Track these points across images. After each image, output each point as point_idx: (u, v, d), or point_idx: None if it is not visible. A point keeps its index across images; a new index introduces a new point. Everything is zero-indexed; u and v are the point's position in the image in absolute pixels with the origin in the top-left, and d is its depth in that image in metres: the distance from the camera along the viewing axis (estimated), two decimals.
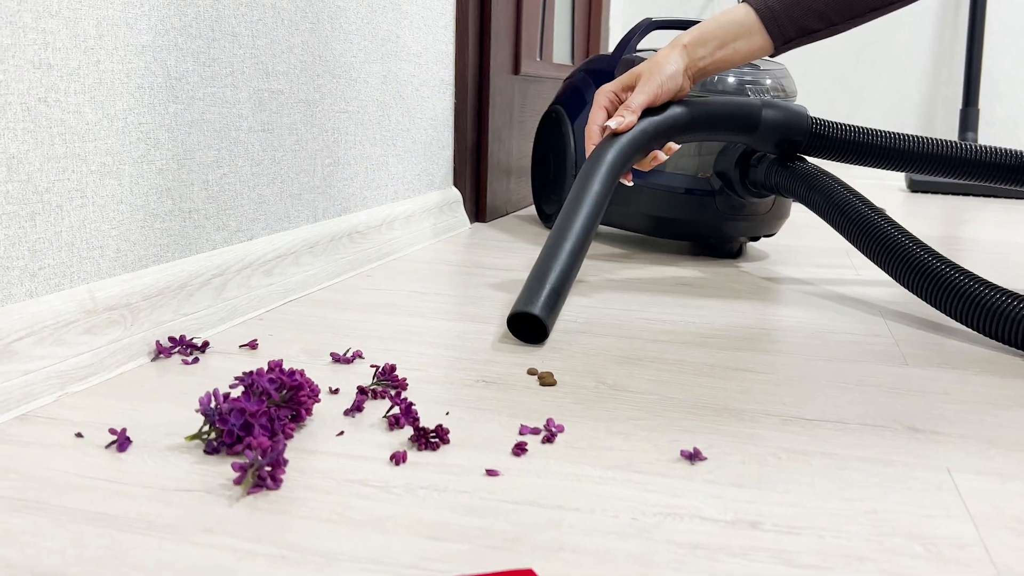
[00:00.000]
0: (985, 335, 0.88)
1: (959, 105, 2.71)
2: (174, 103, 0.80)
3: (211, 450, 0.56)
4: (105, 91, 0.71)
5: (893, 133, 1.11)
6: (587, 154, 0.98)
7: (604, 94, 1.00)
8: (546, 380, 0.73)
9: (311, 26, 1.02)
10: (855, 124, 1.11)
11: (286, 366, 0.71)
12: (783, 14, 0.94)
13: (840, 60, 2.80)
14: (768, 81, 1.32)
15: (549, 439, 0.61)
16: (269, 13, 0.93)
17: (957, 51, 2.71)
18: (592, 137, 0.99)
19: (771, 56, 0.98)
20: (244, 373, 0.60)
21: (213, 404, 0.57)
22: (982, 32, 2.61)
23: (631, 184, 1.04)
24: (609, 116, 0.99)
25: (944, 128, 2.74)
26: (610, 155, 0.94)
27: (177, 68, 0.79)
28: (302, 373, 0.61)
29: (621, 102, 0.99)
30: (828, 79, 2.83)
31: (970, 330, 0.93)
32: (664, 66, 0.96)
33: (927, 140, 1.10)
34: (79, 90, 0.68)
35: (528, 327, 0.85)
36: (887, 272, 0.97)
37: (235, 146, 0.89)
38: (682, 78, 0.97)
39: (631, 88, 0.99)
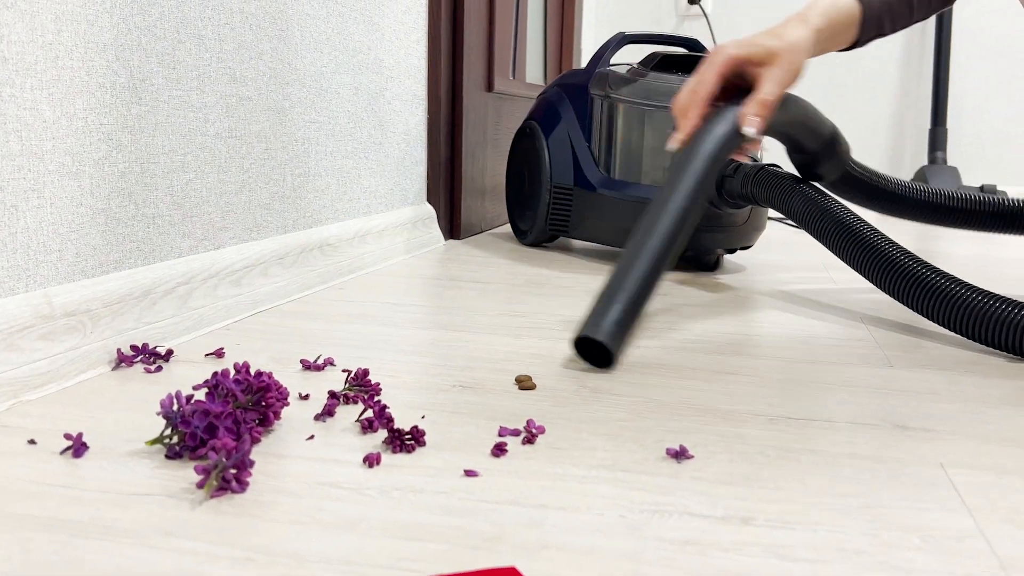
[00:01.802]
0: (969, 338, 0.87)
1: (927, 125, 2.74)
2: (137, 104, 0.77)
3: (173, 454, 0.53)
4: (64, 88, 0.68)
5: (917, 186, 1.14)
6: (679, 125, 0.84)
7: (727, 62, 0.84)
8: (525, 384, 0.71)
9: (280, 33, 1.00)
10: (889, 176, 1.15)
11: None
12: (880, 10, 0.89)
13: (811, 80, 2.83)
14: None
15: (530, 440, 0.58)
16: (237, 17, 0.91)
17: (924, 72, 2.75)
18: (696, 105, 0.83)
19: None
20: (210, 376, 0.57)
21: (176, 406, 0.54)
22: (948, 54, 2.65)
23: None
24: (724, 88, 0.85)
25: (914, 147, 2.77)
26: (710, 148, 0.81)
27: (141, 69, 0.77)
28: (270, 375, 0.59)
29: (742, 79, 0.85)
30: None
31: (952, 334, 0.92)
32: (800, 54, 0.84)
33: (954, 194, 1.13)
34: (36, 86, 0.66)
35: (593, 350, 0.77)
36: (868, 277, 0.96)
37: (201, 152, 0.87)
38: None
39: (759, 64, 0.84)
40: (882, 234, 0.97)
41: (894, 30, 0.95)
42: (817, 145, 1.05)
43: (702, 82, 0.84)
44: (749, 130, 0.83)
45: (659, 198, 0.81)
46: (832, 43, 0.90)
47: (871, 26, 0.91)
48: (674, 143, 0.84)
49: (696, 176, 0.81)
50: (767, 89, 0.83)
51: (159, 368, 0.72)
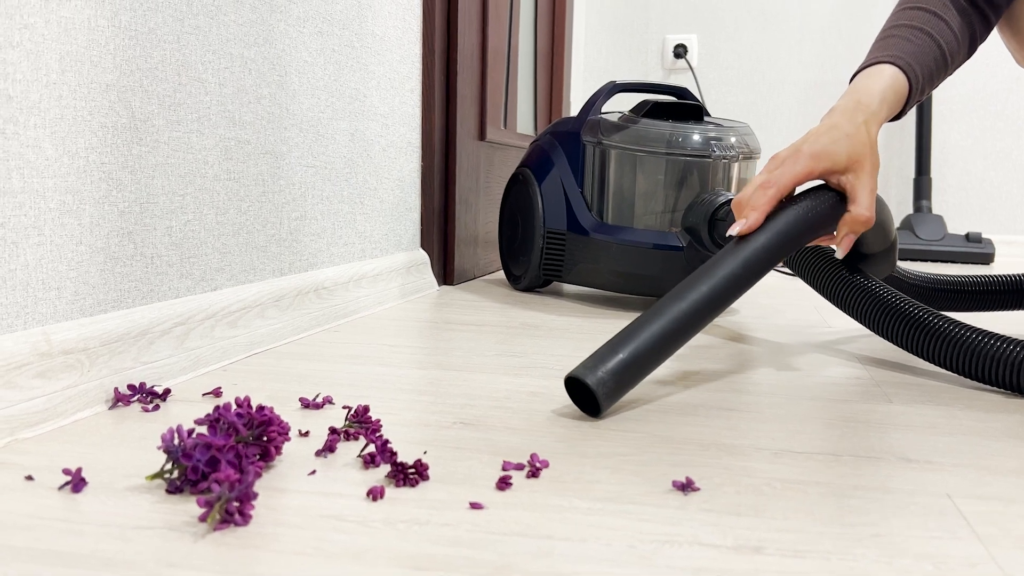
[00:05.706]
0: (966, 376, 0.87)
1: (912, 174, 2.78)
2: (138, 145, 0.77)
3: (174, 489, 0.53)
4: (67, 127, 0.69)
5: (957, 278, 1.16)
6: (743, 215, 0.83)
7: (806, 175, 0.82)
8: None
9: (279, 79, 1.01)
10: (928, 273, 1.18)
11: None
12: (923, 80, 0.87)
13: (796, 130, 2.87)
14: (732, 139, 1.34)
15: (534, 474, 0.58)
16: (237, 62, 0.92)
17: (908, 123, 2.79)
18: (765, 203, 0.81)
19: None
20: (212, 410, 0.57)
21: (177, 440, 0.54)
22: (930, 106, 2.70)
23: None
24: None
25: (899, 195, 2.81)
26: (777, 240, 0.81)
27: (142, 110, 0.78)
28: (271, 410, 0.58)
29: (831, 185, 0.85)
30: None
31: (948, 372, 0.92)
32: (877, 151, 0.85)
33: (980, 279, 1.14)
34: (39, 124, 0.66)
35: (583, 394, 0.75)
36: (861, 320, 0.96)
37: (200, 193, 0.87)
38: None
39: (843, 172, 0.83)
40: (872, 277, 0.97)
41: (930, 92, 0.92)
42: (879, 248, 1.01)
43: (776, 185, 0.81)
44: (839, 252, 0.87)
45: (710, 266, 0.79)
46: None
47: (914, 98, 0.89)
48: (735, 230, 0.82)
49: (756, 255, 0.80)
50: (865, 203, 0.82)
51: (156, 407, 0.72)
